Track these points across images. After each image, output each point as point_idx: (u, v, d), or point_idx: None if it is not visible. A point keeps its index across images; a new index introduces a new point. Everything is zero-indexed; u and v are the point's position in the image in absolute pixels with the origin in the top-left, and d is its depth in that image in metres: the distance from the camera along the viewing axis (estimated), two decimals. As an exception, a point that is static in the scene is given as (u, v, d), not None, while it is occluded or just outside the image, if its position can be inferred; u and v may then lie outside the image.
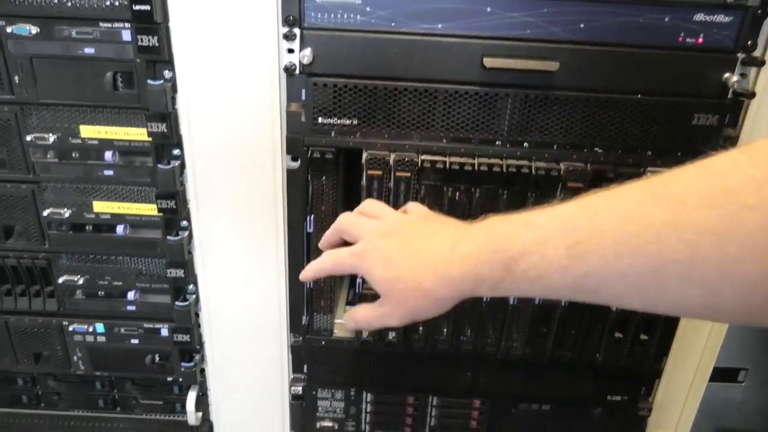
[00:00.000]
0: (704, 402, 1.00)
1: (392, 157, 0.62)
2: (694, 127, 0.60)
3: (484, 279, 0.41)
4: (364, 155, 0.62)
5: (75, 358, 0.76)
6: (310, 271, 0.54)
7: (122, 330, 0.74)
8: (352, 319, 0.52)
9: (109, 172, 0.66)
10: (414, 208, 0.55)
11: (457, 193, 0.64)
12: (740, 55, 0.58)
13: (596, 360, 0.72)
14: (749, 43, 0.57)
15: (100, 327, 0.74)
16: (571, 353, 0.72)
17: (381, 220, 0.52)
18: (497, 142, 0.62)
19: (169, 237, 0.68)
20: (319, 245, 0.56)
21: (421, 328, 0.71)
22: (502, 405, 0.78)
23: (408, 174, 0.62)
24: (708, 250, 0.31)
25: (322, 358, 0.76)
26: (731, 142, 0.61)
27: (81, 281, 0.72)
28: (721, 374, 0.99)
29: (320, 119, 0.62)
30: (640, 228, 0.33)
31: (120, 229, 0.69)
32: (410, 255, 0.46)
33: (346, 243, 0.53)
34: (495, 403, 0.78)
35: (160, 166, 0.64)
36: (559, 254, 0.37)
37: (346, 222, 0.54)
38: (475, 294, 0.43)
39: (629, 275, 0.34)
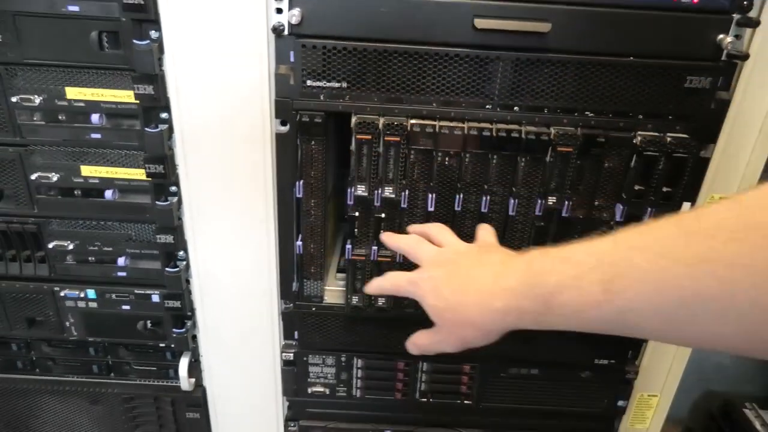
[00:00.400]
0: (694, 366, 1.02)
1: (382, 121, 0.61)
2: (686, 90, 0.60)
3: (526, 312, 0.44)
4: (354, 119, 0.62)
5: (68, 323, 0.77)
6: (372, 288, 0.61)
7: (113, 296, 0.74)
8: (414, 345, 0.58)
9: (96, 136, 0.65)
10: (481, 233, 0.61)
11: (447, 158, 0.63)
12: (735, 16, 0.57)
13: (585, 325, 0.72)
14: (745, 3, 0.57)
15: (91, 293, 0.74)
16: (559, 318, 0.72)
17: (441, 247, 0.57)
18: (488, 106, 0.62)
19: (158, 202, 0.67)
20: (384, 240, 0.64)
21: (411, 294, 0.72)
22: (491, 369, 0.79)
23: (397, 138, 0.61)
24: (740, 283, 0.31)
25: (313, 324, 0.76)
26: (723, 105, 0.61)
27: (71, 246, 0.72)
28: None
29: (309, 82, 0.61)
30: (673, 263, 0.34)
31: (109, 194, 0.68)
32: (458, 286, 0.50)
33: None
34: (484, 367, 0.79)
35: (147, 129, 0.63)
36: (596, 289, 0.38)
37: (407, 244, 0.60)
38: (520, 326, 0.46)
39: (664, 310, 0.35)
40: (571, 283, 0.40)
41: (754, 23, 0.56)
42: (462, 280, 0.51)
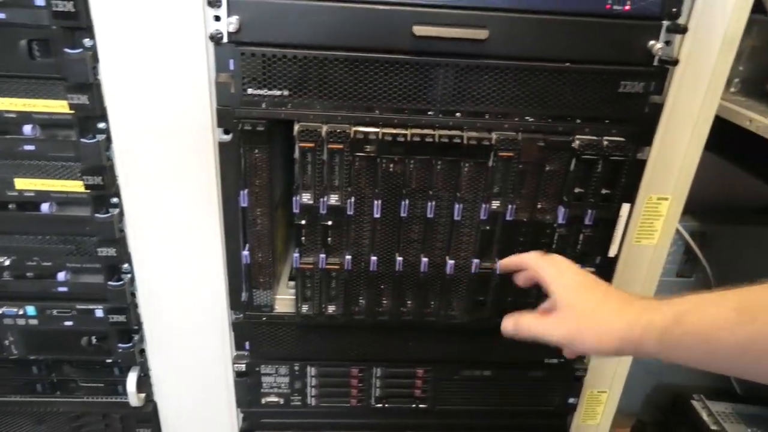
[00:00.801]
0: (644, 361, 1.04)
1: (325, 128, 0.61)
2: (621, 95, 0.62)
3: (654, 326, 0.45)
4: (296, 127, 0.61)
5: (7, 342, 0.74)
6: (506, 261, 0.64)
7: (55, 312, 0.72)
8: (513, 324, 0.60)
9: (30, 147, 0.63)
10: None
11: (391, 165, 0.63)
12: (665, 23, 0.59)
13: (533, 325, 0.73)
14: (674, 10, 0.58)
15: (31, 309, 0.71)
16: (509, 320, 0.73)
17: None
18: (430, 112, 0.62)
19: (97, 215, 0.65)
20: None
21: (361, 300, 0.72)
22: (444, 372, 0.80)
23: (341, 146, 0.61)
24: None
25: (264, 334, 0.75)
26: (657, 108, 0.63)
27: (8, 262, 0.69)
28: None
29: (250, 90, 0.60)
30: None
31: (45, 207, 0.66)
32: (602, 290, 0.54)
33: None
34: (437, 370, 0.79)
35: (83, 140, 0.62)
36: (728, 312, 0.40)
37: (536, 264, 0.61)
38: (642, 344, 0.46)
39: None
40: (702, 305, 0.43)
41: (682, 29, 0.58)
42: (605, 287, 0.56)
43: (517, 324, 0.60)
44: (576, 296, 0.55)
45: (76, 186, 0.65)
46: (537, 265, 0.60)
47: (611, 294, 0.54)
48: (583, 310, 0.53)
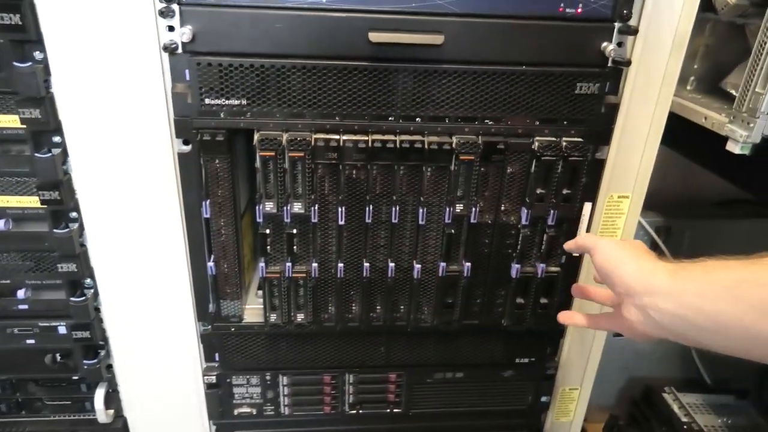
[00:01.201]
0: (616, 355, 1.06)
1: (285, 137, 0.61)
2: (577, 96, 0.62)
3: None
4: (256, 136, 0.61)
5: (-32, 363, 0.72)
6: (573, 244, 0.60)
7: (16, 330, 0.70)
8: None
9: (-18, 164, 0.62)
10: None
11: (354, 171, 0.63)
12: (617, 24, 0.60)
13: (502, 325, 0.74)
14: (625, 12, 0.59)
15: (-9, 328, 0.70)
16: (477, 321, 0.74)
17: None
18: (390, 118, 0.62)
19: (56, 230, 0.64)
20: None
21: (330, 307, 0.71)
22: (417, 376, 0.80)
23: (302, 153, 0.61)
24: None
25: (234, 344, 0.75)
26: (613, 108, 0.64)
27: (-35, 282, 0.68)
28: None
29: (207, 100, 0.60)
30: None
31: (1, 224, 0.65)
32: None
33: None
34: (410, 374, 0.79)
35: (37, 155, 0.60)
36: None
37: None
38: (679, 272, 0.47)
39: None
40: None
41: (633, 31, 0.59)
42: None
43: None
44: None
45: (32, 201, 0.64)
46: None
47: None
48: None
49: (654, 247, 0.97)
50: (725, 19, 0.73)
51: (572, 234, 0.69)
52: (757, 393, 1.02)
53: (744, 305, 0.42)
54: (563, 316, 0.64)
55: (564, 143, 0.63)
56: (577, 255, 0.71)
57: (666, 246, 0.96)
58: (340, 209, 0.65)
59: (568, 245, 0.60)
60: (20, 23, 0.55)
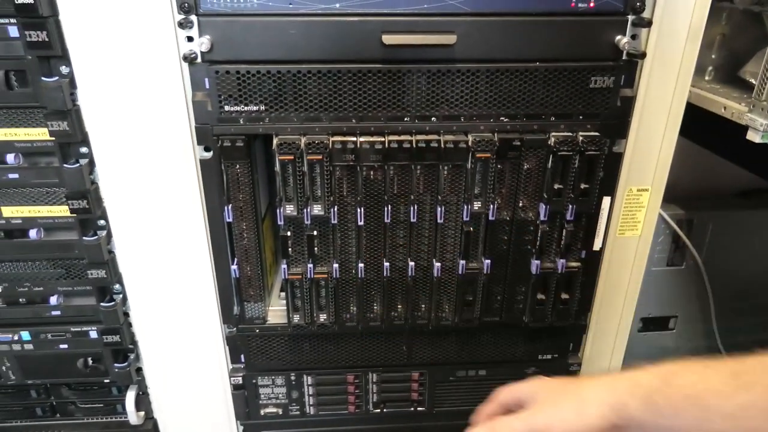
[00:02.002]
0: (639, 351, 1.05)
1: (303, 140, 0.62)
2: (592, 90, 0.62)
3: (640, 386, 0.42)
4: (275, 141, 0.62)
5: (4, 368, 0.74)
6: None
7: (49, 336, 0.72)
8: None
9: (14, 176, 0.64)
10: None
11: (371, 172, 0.64)
12: (630, 17, 0.60)
13: (523, 322, 0.74)
14: (638, 4, 0.59)
15: (25, 335, 0.72)
16: (498, 317, 0.74)
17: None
18: (406, 119, 0.63)
19: (85, 237, 0.66)
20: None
21: (352, 308, 0.72)
22: (439, 374, 0.80)
23: (320, 157, 0.62)
24: None
25: (258, 346, 0.76)
26: (629, 101, 0.63)
27: (0, 289, 0.70)
28: (653, 323, 1.04)
29: (227, 107, 0.61)
30: None
31: (33, 233, 0.67)
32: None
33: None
34: (433, 373, 0.80)
35: (66, 165, 0.63)
36: (722, 379, 0.38)
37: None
38: (627, 408, 0.43)
39: None
40: (695, 369, 0.41)
41: (647, 23, 0.59)
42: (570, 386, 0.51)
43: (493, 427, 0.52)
44: (555, 384, 0.52)
45: (61, 211, 0.66)
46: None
47: (595, 378, 0.51)
48: (564, 389, 0.50)
49: (677, 240, 0.96)
50: (741, 7, 0.72)
51: (591, 228, 0.69)
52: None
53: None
54: None
55: (580, 138, 0.63)
56: (597, 250, 0.71)
57: (689, 239, 0.95)
58: (358, 210, 0.65)
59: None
60: (46, 39, 0.57)
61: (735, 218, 0.95)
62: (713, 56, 0.80)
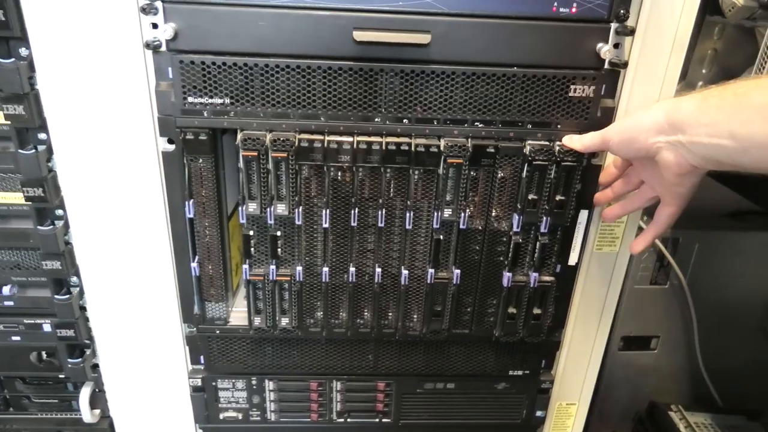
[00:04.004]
0: (619, 370, 1.02)
1: (269, 137, 0.60)
2: (571, 99, 0.60)
3: (693, 93, 0.50)
4: (239, 136, 0.60)
5: (-45, 358, 0.72)
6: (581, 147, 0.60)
7: (1, 327, 0.70)
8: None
9: (-33, 160, 0.62)
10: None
11: (339, 173, 0.62)
12: (613, 25, 0.58)
13: (494, 335, 0.71)
14: (622, 12, 0.57)
15: (-23, 325, 0.70)
16: (468, 330, 0.71)
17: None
18: (377, 119, 0.60)
19: (40, 227, 0.64)
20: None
21: (316, 313, 0.70)
22: (406, 385, 0.78)
23: (285, 154, 0.60)
24: None
25: (219, 347, 0.73)
26: (609, 112, 0.61)
27: (-48, 277, 0.68)
28: (635, 342, 1.01)
29: (191, 99, 0.59)
30: None
31: (-14, 220, 0.65)
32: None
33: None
34: (399, 383, 0.77)
35: (21, 151, 0.60)
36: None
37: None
38: (680, 109, 0.50)
39: None
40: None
41: (630, 32, 0.57)
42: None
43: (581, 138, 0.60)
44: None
45: (16, 198, 0.63)
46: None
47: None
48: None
49: (661, 259, 0.94)
50: (733, 22, 0.70)
51: (568, 242, 0.67)
52: (771, 414, 0.98)
53: None
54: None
55: (557, 147, 0.61)
56: (573, 264, 0.68)
57: (674, 258, 0.93)
58: (324, 212, 0.63)
59: (575, 146, 0.60)
60: (3, 19, 0.54)
61: (722, 238, 0.92)
62: (704, 71, 0.78)
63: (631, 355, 1.02)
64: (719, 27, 0.75)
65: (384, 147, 0.60)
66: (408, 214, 0.63)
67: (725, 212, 0.97)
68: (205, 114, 0.60)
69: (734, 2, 0.66)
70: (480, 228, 0.66)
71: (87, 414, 0.75)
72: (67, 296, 0.68)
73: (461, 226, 0.64)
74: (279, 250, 0.65)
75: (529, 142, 0.61)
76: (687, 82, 0.78)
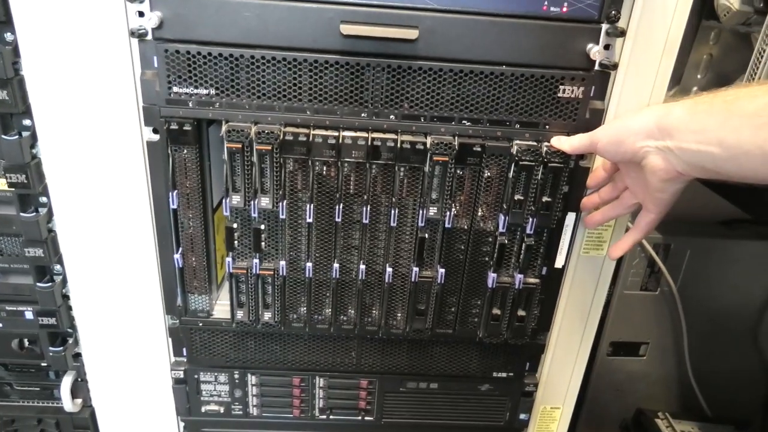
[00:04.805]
0: (607, 376, 1.02)
1: (254, 129, 0.59)
2: (560, 100, 0.59)
3: (684, 100, 0.50)
4: (224, 127, 0.59)
5: (-63, 343, 0.72)
6: (569, 148, 0.60)
7: (-18, 313, 0.70)
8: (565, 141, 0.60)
9: (-49, 144, 0.61)
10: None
11: (324, 167, 0.61)
12: (604, 26, 0.57)
13: (478, 336, 0.71)
14: (613, 13, 0.56)
15: (-41, 310, 0.70)
16: (452, 330, 0.71)
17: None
18: (363, 114, 0.60)
19: (23, 214, 0.64)
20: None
21: (299, 308, 0.69)
22: (389, 384, 0.77)
23: (269, 147, 0.59)
24: None
25: (202, 340, 0.73)
26: (598, 114, 0.60)
27: (-67, 262, 0.68)
28: (623, 348, 1.01)
29: (175, 88, 0.58)
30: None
31: (-31, 205, 0.64)
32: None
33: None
34: (382, 382, 0.77)
35: (4, 136, 0.60)
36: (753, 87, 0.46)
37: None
38: (670, 115, 0.49)
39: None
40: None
41: (621, 33, 0.56)
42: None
43: (570, 140, 0.60)
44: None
45: (0, 184, 0.63)
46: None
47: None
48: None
49: (652, 265, 0.93)
50: (729, 27, 0.69)
51: (554, 244, 0.66)
52: (760, 424, 0.97)
53: (766, 132, 0.43)
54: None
55: (545, 148, 0.60)
56: (560, 267, 0.68)
57: (665, 264, 0.92)
58: (308, 206, 0.63)
59: (563, 147, 0.59)
60: (-12, 3, 0.54)
61: (713, 246, 0.92)
62: (699, 76, 0.77)
63: (619, 361, 1.02)
64: (715, 32, 0.74)
65: (370, 142, 0.60)
66: (393, 211, 0.63)
67: (718, 220, 0.97)
68: (190, 104, 0.59)
69: (729, 7, 0.65)
70: (465, 227, 0.65)
71: (68, 403, 0.75)
72: (50, 284, 0.68)
73: (446, 225, 0.64)
74: (263, 243, 0.65)
75: (517, 142, 0.61)
76: (682, 87, 0.77)
